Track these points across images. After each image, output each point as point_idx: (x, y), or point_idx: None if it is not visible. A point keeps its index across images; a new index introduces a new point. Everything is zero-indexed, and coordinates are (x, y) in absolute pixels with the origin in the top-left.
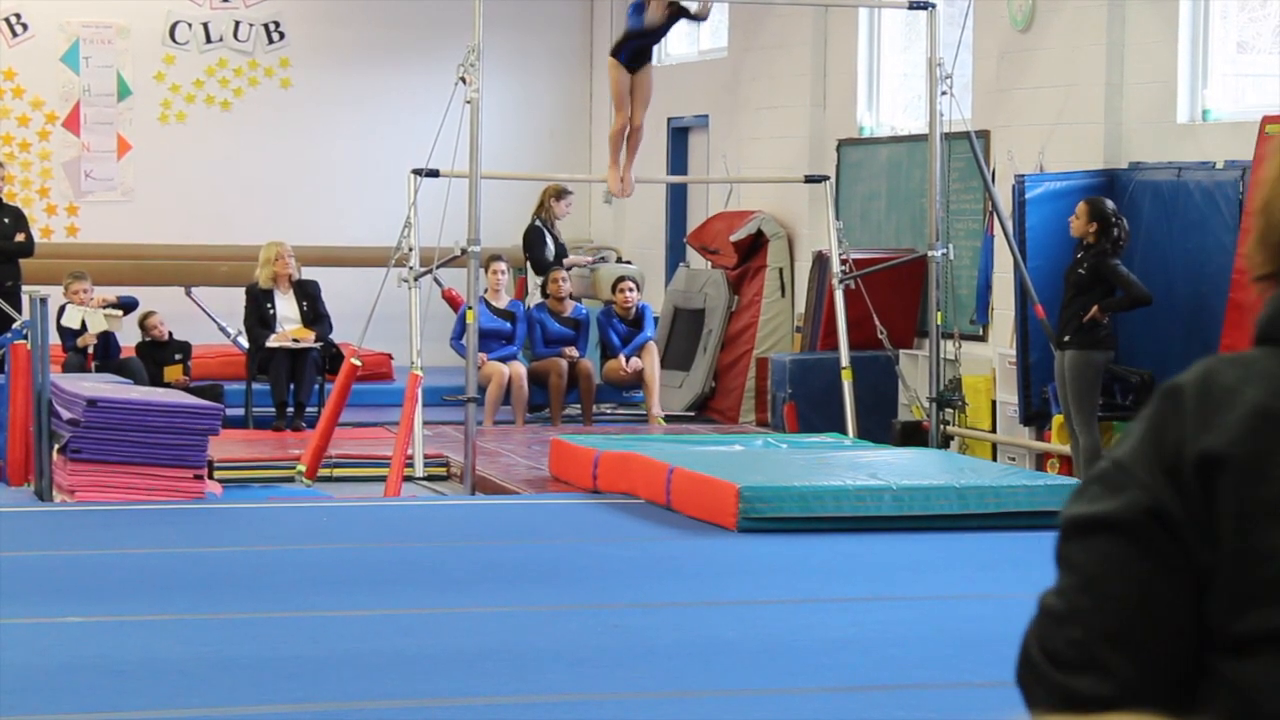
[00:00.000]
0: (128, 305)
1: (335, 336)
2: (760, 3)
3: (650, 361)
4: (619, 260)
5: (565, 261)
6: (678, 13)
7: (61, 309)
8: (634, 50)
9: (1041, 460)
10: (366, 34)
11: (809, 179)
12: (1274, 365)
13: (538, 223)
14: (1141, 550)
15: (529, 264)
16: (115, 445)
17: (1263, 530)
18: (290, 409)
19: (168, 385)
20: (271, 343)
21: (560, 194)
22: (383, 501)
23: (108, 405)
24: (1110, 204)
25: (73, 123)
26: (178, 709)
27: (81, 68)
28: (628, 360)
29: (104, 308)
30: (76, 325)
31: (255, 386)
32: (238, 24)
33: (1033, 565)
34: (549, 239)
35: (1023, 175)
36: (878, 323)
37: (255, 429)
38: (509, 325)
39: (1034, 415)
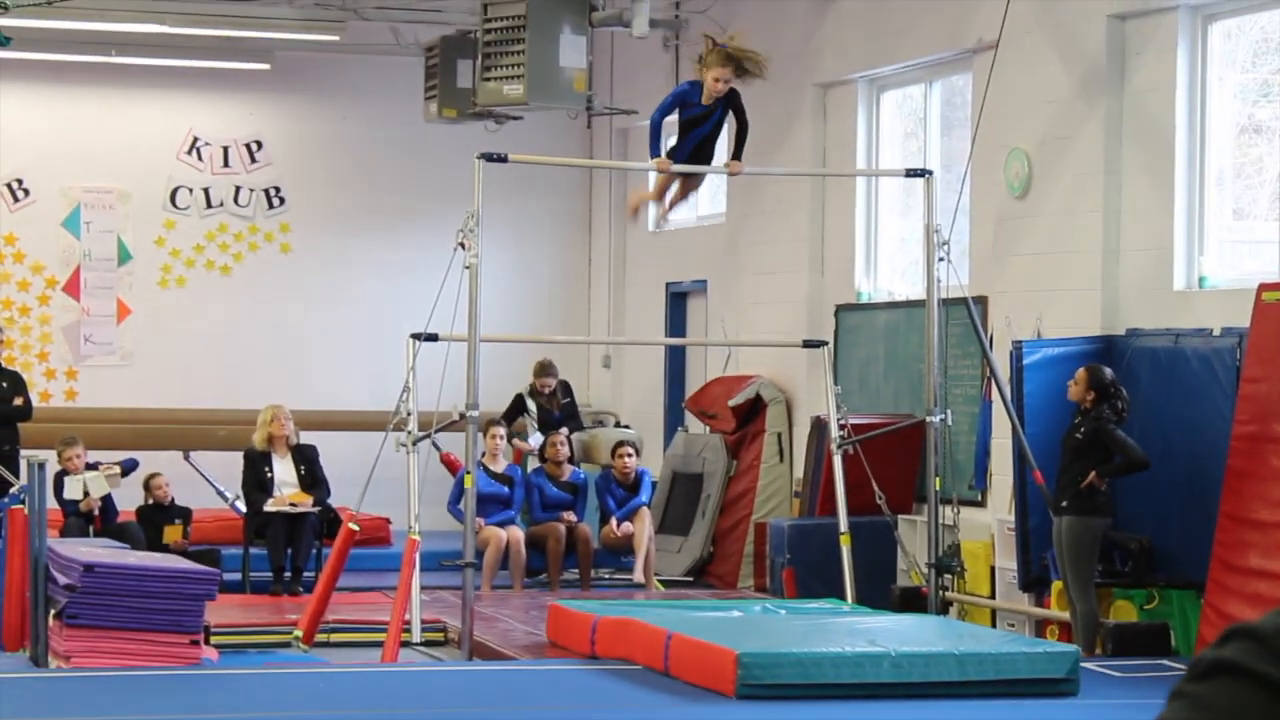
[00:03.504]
0: (127, 467)
1: (333, 500)
2: (760, 174)
3: (641, 526)
4: (617, 424)
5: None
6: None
7: (60, 480)
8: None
9: (1041, 626)
10: (366, 199)
11: (807, 344)
12: None
13: (523, 393)
14: None
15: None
16: (111, 610)
17: None
18: (288, 573)
19: (166, 547)
20: (269, 507)
21: (538, 371)
22: (380, 667)
23: (104, 570)
24: (1109, 372)
25: (73, 287)
26: None
27: (82, 232)
28: (619, 524)
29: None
30: (79, 496)
31: (253, 551)
32: (238, 189)
33: None
34: (530, 409)
35: (1020, 341)
36: (876, 488)
37: (252, 593)
38: (507, 490)
39: (1033, 581)
